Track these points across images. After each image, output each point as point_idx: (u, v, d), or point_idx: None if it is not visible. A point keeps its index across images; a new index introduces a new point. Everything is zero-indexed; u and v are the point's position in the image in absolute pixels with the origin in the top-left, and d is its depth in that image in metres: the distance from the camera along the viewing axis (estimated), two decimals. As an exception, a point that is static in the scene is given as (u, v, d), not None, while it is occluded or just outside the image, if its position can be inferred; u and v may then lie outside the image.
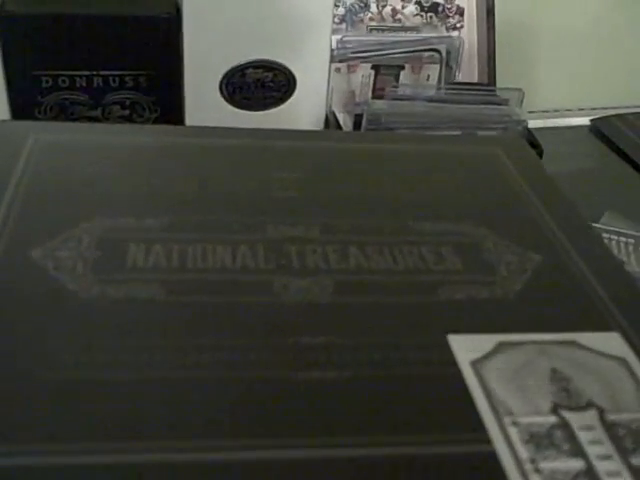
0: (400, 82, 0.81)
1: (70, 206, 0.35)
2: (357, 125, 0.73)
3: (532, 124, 0.80)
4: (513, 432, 0.26)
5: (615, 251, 0.59)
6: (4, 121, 0.42)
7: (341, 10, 0.83)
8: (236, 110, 0.67)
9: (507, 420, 0.27)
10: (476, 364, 0.29)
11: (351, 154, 0.44)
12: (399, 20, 0.86)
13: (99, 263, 0.32)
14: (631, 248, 0.60)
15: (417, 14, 0.86)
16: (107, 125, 0.55)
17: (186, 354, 0.28)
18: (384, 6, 0.85)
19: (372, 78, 0.81)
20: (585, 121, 0.93)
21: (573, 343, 0.30)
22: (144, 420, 0.26)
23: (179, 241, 0.34)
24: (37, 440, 0.24)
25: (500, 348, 0.30)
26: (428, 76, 0.82)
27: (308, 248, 0.34)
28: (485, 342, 0.30)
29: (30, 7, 0.61)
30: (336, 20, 0.79)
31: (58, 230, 0.33)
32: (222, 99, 0.67)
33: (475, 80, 0.88)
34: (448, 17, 0.87)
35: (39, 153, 0.39)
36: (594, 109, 0.97)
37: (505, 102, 0.75)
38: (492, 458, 0.26)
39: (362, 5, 0.84)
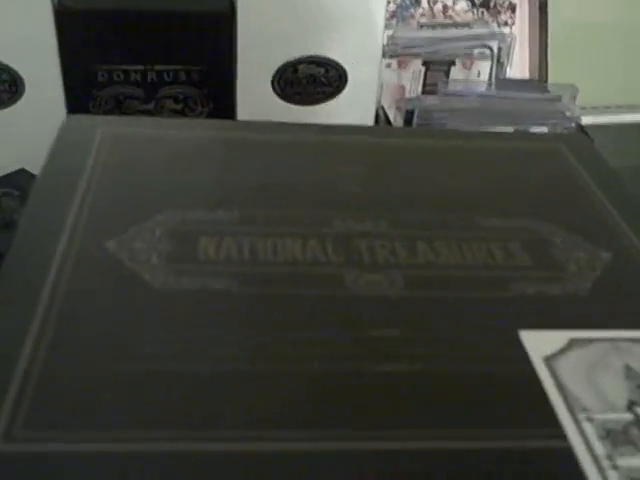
0: (451, 78, 0.80)
1: (140, 199, 0.36)
2: (408, 121, 0.73)
3: (583, 121, 0.79)
4: (588, 428, 0.26)
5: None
6: (72, 115, 0.42)
7: (392, 6, 0.83)
8: (288, 105, 0.68)
9: (582, 416, 0.27)
10: (549, 360, 0.29)
11: (412, 150, 0.44)
12: (450, 16, 0.86)
13: (172, 255, 0.32)
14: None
15: (468, 10, 0.86)
16: (170, 120, 0.56)
17: (263, 346, 0.29)
18: (435, 2, 0.85)
19: (422, 74, 0.80)
20: (637, 118, 0.92)
21: (646, 340, 0.30)
22: (221, 410, 0.26)
23: (249, 234, 0.34)
24: (119, 426, 0.25)
25: (573, 344, 0.30)
26: (479, 72, 0.81)
27: (376, 242, 0.34)
28: (557, 338, 0.30)
29: (87, 3, 0.62)
30: (387, 16, 0.79)
31: (131, 222, 0.34)
32: (274, 94, 0.67)
33: (526, 76, 0.87)
34: (500, 13, 0.86)
35: (108, 147, 0.39)
36: (646, 106, 0.97)
37: (558, 98, 0.75)
38: (568, 454, 0.26)
39: (413, 1, 0.84)
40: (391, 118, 0.77)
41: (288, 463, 0.25)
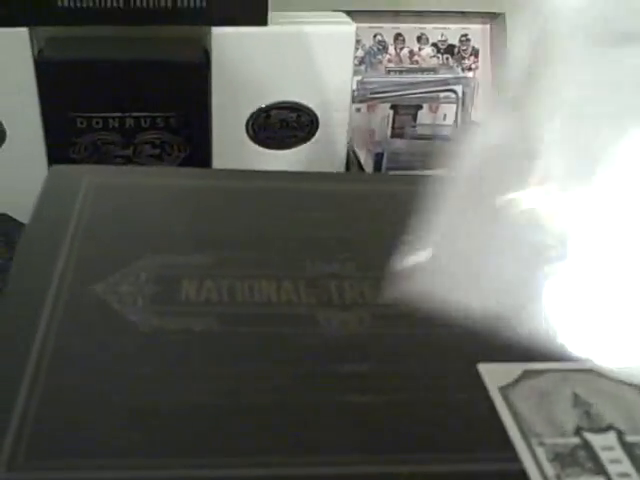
0: (418, 121, 0.84)
1: (125, 245, 0.38)
2: (378, 163, 0.76)
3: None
4: (540, 451, 0.29)
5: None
6: (57, 166, 0.45)
7: (361, 52, 0.87)
8: (261, 149, 0.70)
9: (534, 441, 0.29)
10: (504, 390, 0.31)
11: (377, 195, 0.46)
12: (416, 62, 0.89)
13: (156, 297, 0.35)
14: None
15: (433, 56, 0.89)
16: (152, 168, 0.58)
17: (241, 381, 0.31)
18: (402, 48, 0.88)
19: (391, 118, 0.84)
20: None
21: (593, 371, 0.33)
22: (202, 440, 0.28)
23: (227, 277, 0.37)
24: (111, 454, 0.27)
25: (526, 375, 0.32)
26: (445, 115, 0.85)
27: (345, 283, 0.37)
28: (512, 370, 0.33)
29: (66, 53, 0.64)
30: (356, 62, 0.82)
31: (117, 267, 0.36)
32: (248, 138, 0.69)
33: (490, 119, 0.90)
34: (464, 58, 0.90)
35: (94, 195, 0.42)
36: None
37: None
38: (521, 475, 0.28)
39: (380, 48, 0.88)
40: (362, 161, 0.80)
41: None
